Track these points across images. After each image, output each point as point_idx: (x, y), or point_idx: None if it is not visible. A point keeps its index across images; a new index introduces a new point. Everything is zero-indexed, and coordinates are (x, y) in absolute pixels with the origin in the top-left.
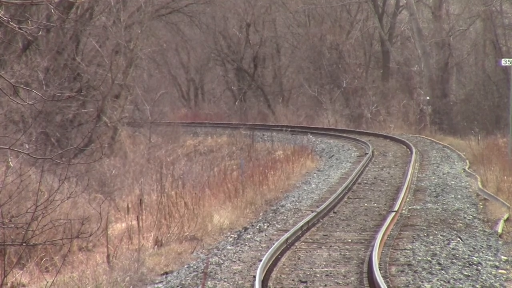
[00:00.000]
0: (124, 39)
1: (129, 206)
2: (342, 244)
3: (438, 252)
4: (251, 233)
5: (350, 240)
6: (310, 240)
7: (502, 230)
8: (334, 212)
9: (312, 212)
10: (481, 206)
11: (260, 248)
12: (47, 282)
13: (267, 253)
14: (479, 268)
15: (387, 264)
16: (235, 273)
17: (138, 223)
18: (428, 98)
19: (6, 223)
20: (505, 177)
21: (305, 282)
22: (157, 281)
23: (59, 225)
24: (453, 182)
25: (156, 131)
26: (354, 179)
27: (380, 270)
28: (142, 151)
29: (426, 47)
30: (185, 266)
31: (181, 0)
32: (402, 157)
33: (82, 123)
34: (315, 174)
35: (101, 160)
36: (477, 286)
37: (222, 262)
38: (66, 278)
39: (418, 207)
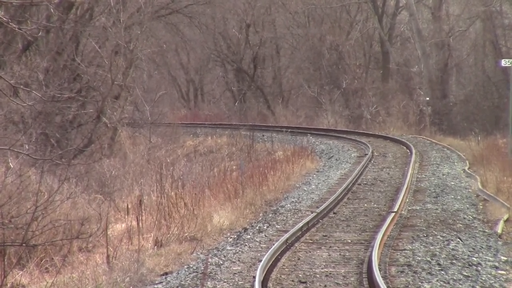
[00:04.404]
0: (124, 39)
1: (129, 206)
2: (342, 245)
3: (437, 253)
4: (251, 234)
5: (349, 241)
6: (310, 241)
7: (502, 231)
8: (334, 213)
9: (312, 213)
10: (481, 207)
11: (260, 249)
12: (47, 282)
13: (267, 254)
14: (479, 268)
15: (387, 265)
16: (235, 273)
17: (138, 224)
18: (427, 98)
19: (6, 224)
20: (504, 178)
21: (305, 282)
22: (156, 282)
23: (59, 225)
24: (452, 183)
25: (156, 131)
26: (354, 179)
27: (379, 270)
28: (142, 151)
29: (426, 47)
30: (185, 267)
31: (181, 1)
32: (401, 158)
33: (82, 124)
34: (314, 175)
35: (101, 161)
36: (477, 286)
37: (222, 262)
38: (66, 278)
39: (418, 208)
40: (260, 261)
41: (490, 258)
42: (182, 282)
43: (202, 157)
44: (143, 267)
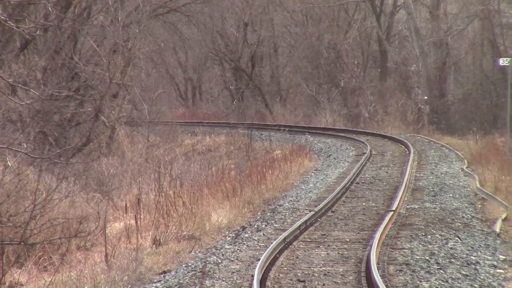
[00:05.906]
0: (122, 38)
1: (127, 205)
2: (340, 244)
3: (436, 252)
4: (249, 232)
5: (348, 240)
6: (308, 240)
7: (500, 230)
8: (332, 212)
9: (310, 212)
10: (479, 206)
11: (258, 247)
12: (46, 281)
13: (265, 252)
14: (477, 267)
15: (385, 264)
16: (233, 272)
17: (136, 222)
18: (426, 97)
19: (4, 222)
20: (503, 177)
21: (303, 281)
22: (155, 280)
23: (57, 224)
24: (451, 182)
25: (154, 130)
26: (352, 178)
27: (378, 269)
28: (140, 150)
29: (424, 46)
30: (183, 265)
31: (179, 0)
32: (400, 157)
33: (80, 123)
34: (313, 174)
35: (99, 159)
36: (475, 285)
37: (220, 261)
38: (64, 277)
39: (416, 207)
40: (259, 259)
41: (489, 257)
42: (181, 281)
43: (200, 155)
44: (142, 266)
